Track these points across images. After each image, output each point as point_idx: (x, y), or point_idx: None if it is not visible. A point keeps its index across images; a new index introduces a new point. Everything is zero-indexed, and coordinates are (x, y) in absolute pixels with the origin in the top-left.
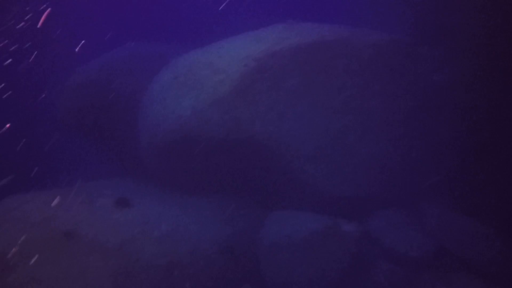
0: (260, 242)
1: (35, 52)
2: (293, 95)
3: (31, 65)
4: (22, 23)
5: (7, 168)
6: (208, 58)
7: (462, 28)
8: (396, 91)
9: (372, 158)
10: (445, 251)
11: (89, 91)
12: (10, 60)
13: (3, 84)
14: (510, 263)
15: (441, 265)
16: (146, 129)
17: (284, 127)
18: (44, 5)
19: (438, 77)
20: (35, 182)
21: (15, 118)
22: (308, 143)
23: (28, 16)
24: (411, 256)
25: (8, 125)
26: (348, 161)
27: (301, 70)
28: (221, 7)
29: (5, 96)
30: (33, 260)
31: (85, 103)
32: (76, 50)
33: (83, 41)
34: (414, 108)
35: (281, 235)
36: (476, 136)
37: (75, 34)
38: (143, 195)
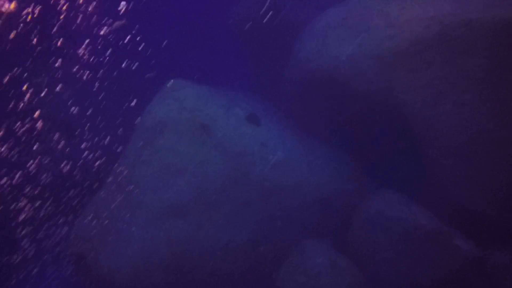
0: (360, 210)
1: None
2: (470, 78)
3: None
4: None
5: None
6: (387, 7)
7: None
8: None
9: None
10: None
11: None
12: None
13: None
14: None
15: None
16: (298, 61)
17: (439, 110)
18: None
19: None
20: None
21: None
22: (457, 136)
23: None
24: None
25: None
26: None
27: (498, 51)
28: None
29: None
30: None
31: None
32: None
33: None
34: None
35: (376, 212)
36: None
37: None
38: (271, 120)
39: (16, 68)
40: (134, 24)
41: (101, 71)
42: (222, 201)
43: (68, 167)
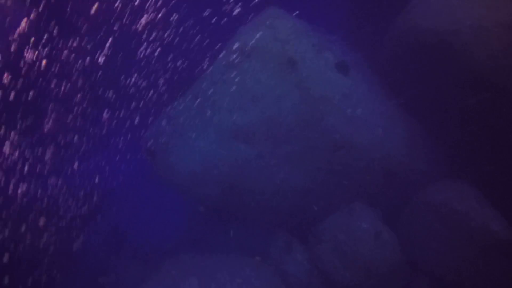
0: (425, 193)
1: None
2: None
3: None
4: None
5: None
6: None
7: None
8: None
9: None
10: None
11: None
12: None
13: None
14: None
15: None
16: (408, 18)
17: None
18: None
19: None
20: None
21: None
22: None
23: None
24: None
25: None
26: None
27: None
28: None
29: None
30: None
31: None
32: None
33: None
34: None
35: (442, 201)
36: None
37: None
38: (360, 73)
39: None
40: None
41: None
42: (288, 139)
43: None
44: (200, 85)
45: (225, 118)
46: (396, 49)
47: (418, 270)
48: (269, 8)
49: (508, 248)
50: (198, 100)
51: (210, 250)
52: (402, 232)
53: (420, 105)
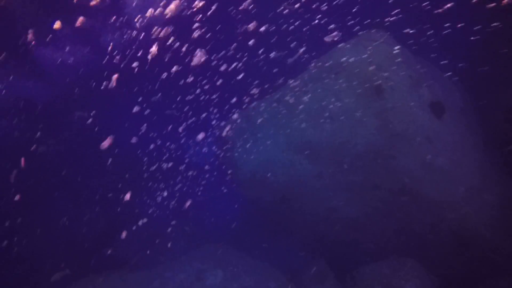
0: None
1: None
2: None
3: None
4: None
5: None
6: None
7: None
8: None
9: None
10: None
11: None
12: None
13: None
14: None
15: None
16: None
17: None
18: None
19: None
20: None
21: None
22: None
23: None
24: None
25: None
26: None
27: None
28: None
29: None
30: None
31: None
32: None
33: None
34: None
35: None
36: None
37: None
38: (455, 118)
39: None
40: None
41: None
42: (353, 167)
43: None
44: (283, 91)
45: (297, 129)
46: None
47: None
48: (374, 29)
49: None
50: (277, 105)
51: (242, 250)
52: None
53: None
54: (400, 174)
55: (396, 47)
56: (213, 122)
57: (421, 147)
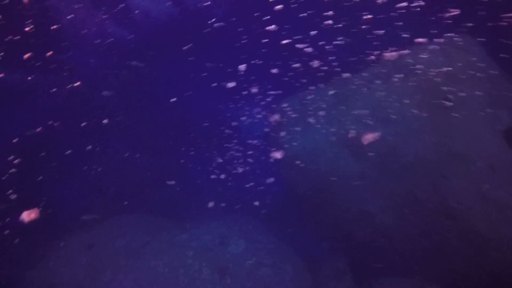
0: None
1: None
2: None
3: None
4: None
5: None
6: None
7: None
8: None
9: None
10: None
11: None
12: None
13: None
14: None
15: None
16: None
17: None
18: None
19: None
20: None
21: None
22: None
23: None
24: None
25: None
26: None
27: None
28: None
29: None
30: None
31: None
32: None
33: None
34: None
35: None
36: None
37: None
38: None
39: None
40: None
41: None
42: (399, 176)
43: None
44: (340, 83)
45: (350, 124)
46: None
47: None
48: (458, 33)
49: None
50: (333, 93)
51: (269, 228)
52: None
53: None
54: (449, 196)
55: (483, 60)
56: (269, 99)
57: (480, 173)
